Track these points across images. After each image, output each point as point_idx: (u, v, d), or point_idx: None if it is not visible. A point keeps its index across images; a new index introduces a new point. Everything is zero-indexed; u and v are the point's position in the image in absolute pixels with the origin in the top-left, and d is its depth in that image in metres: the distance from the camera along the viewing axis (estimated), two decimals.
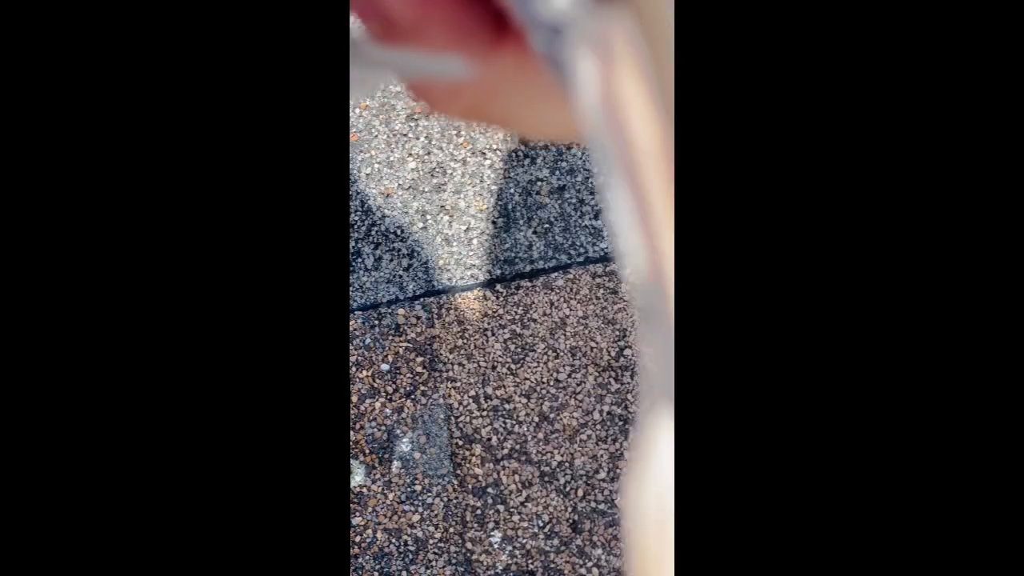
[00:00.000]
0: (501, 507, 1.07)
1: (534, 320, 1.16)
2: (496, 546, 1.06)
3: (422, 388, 1.13)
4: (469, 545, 1.06)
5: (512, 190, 1.24)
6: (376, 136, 1.27)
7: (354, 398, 1.12)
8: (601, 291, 1.17)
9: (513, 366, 1.14)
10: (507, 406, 1.12)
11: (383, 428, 1.11)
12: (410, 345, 1.14)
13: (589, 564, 1.05)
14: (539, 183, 1.25)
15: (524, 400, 1.12)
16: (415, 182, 1.25)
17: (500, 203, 1.23)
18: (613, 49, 0.16)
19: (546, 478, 1.08)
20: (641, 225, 0.16)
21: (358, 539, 1.06)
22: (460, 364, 1.13)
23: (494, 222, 1.22)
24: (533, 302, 1.17)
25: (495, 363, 1.14)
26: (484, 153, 1.27)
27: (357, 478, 1.08)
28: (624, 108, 0.16)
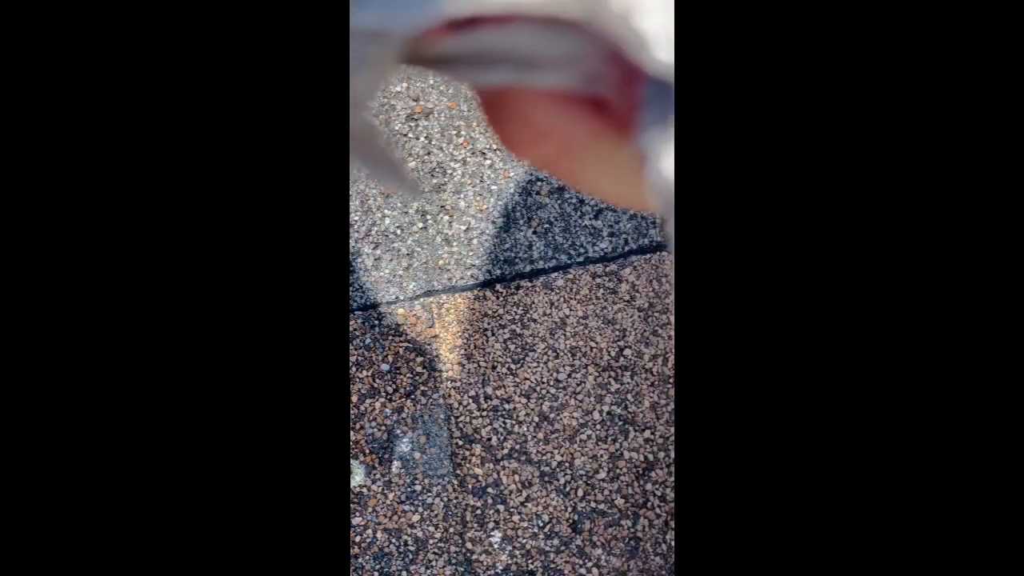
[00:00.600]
0: (501, 507, 1.07)
1: (534, 320, 1.16)
2: (496, 546, 1.06)
3: (422, 388, 1.13)
4: (469, 545, 1.06)
5: (512, 190, 1.24)
6: None
7: (354, 398, 1.12)
8: (601, 291, 1.17)
9: (513, 366, 1.14)
10: (507, 406, 1.12)
11: (383, 428, 1.11)
12: (410, 345, 1.14)
13: (589, 564, 1.05)
14: (539, 183, 1.25)
15: (524, 400, 1.12)
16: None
17: (500, 203, 1.23)
18: None
19: (546, 478, 1.08)
20: None
21: (358, 539, 1.06)
22: (460, 364, 1.13)
23: (493, 222, 1.22)
24: (533, 302, 1.17)
25: (495, 363, 1.14)
26: (484, 153, 1.27)
27: (357, 478, 1.08)
28: None
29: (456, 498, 1.08)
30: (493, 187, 1.26)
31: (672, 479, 1.10)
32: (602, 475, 1.08)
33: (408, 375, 1.14)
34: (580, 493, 1.08)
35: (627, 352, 1.14)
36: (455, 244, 1.22)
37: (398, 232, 1.23)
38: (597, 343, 1.14)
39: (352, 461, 1.09)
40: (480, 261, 1.21)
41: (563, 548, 1.05)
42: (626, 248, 1.21)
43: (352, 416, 1.11)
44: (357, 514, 1.07)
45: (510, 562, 1.05)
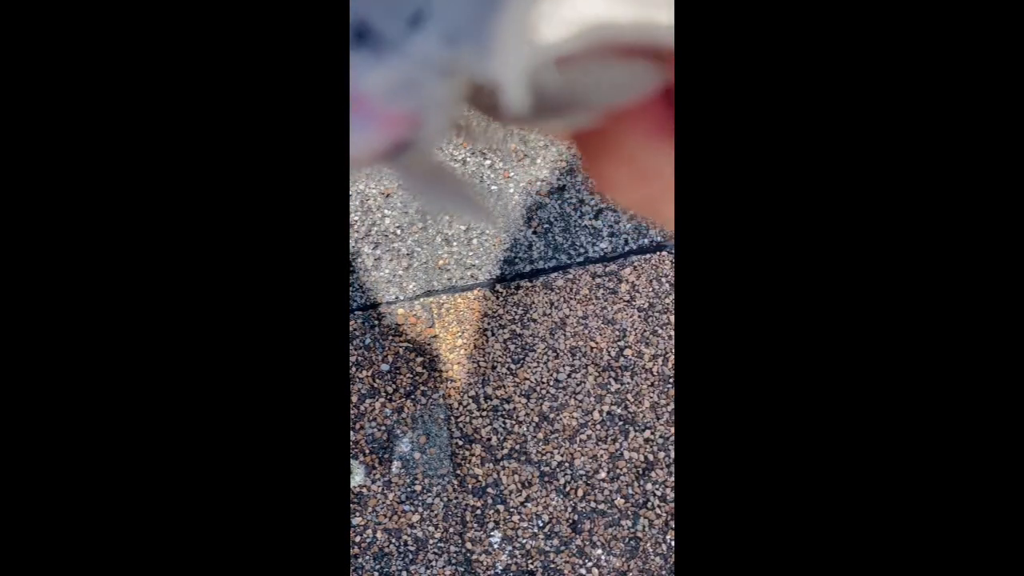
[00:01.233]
0: (501, 507, 1.07)
1: (534, 320, 1.16)
2: (496, 546, 1.06)
3: (422, 388, 1.13)
4: (469, 545, 1.06)
5: (512, 190, 1.24)
6: None
7: (354, 398, 1.12)
8: (601, 291, 1.17)
9: (513, 366, 1.14)
10: (507, 406, 1.12)
11: (383, 428, 1.11)
12: (410, 345, 1.14)
13: (589, 564, 1.05)
14: (539, 183, 1.25)
15: (524, 400, 1.12)
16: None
17: (500, 203, 1.23)
18: None
19: (546, 478, 1.08)
20: None
21: (358, 539, 1.06)
22: (460, 364, 1.14)
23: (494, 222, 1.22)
24: (533, 302, 1.17)
25: (495, 363, 1.14)
26: (484, 153, 1.27)
27: (357, 478, 1.08)
28: None
29: (456, 498, 1.08)
30: (493, 187, 1.26)
31: (672, 479, 1.10)
32: (602, 475, 1.08)
33: (408, 375, 1.14)
34: (580, 493, 1.08)
35: (627, 352, 1.14)
36: (455, 244, 1.22)
37: (398, 232, 1.23)
38: (597, 343, 1.14)
39: (352, 461, 1.09)
40: (480, 261, 1.21)
41: (563, 548, 1.05)
42: (626, 248, 1.21)
43: (352, 416, 1.11)
44: (357, 514, 1.07)
45: (510, 562, 1.05)
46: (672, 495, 1.09)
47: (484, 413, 1.12)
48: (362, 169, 0.17)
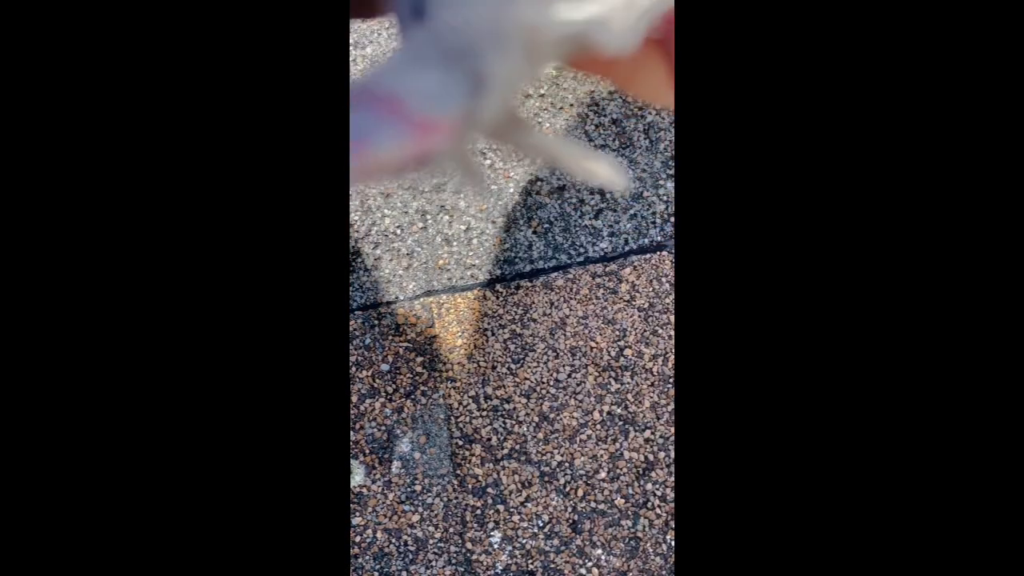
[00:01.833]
0: (501, 507, 1.07)
1: (534, 320, 1.16)
2: (496, 546, 1.06)
3: (422, 388, 1.13)
4: (469, 545, 1.06)
5: (512, 190, 1.24)
6: None
7: (354, 398, 1.12)
8: (601, 291, 1.17)
9: (513, 366, 1.14)
10: (507, 406, 1.12)
11: (383, 428, 1.11)
12: (410, 345, 1.14)
13: (589, 564, 1.05)
14: (539, 183, 1.25)
15: (524, 400, 1.12)
16: (415, 182, 1.25)
17: (500, 203, 1.23)
18: None
19: (546, 478, 1.08)
20: None
21: (358, 539, 1.06)
22: (460, 364, 1.14)
23: (493, 222, 1.22)
24: (533, 302, 1.17)
25: (495, 363, 1.14)
26: (484, 153, 1.27)
27: (357, 478, 1.08)
28: None
29: (456, 498, 1.08)
30: (493, 187, 1.26)
31: (672, 479, 1.10)
32: (602, 475, 1.09)
33: (408, 375, 1.14)
34: (580, 493, 1.08)
35: (627, 352, 1.14)
36: (455, 244, 1.22)
37: (398, 232, 1.23)
38: (597, 343, 1.15)
39: (352, 461, 1.09)
40: (480, 261, 1.21)
41: (563, 548, 1.05)
42: (626, 248, 1.21)
43: (352, 416, 1.11)
44: (357, 514, 1.07)
45: (510, 562, 1.05)
46: (672, 495, 1.09)
47: (484, 413, 1.12)
48: (388, 175, 0.18)
